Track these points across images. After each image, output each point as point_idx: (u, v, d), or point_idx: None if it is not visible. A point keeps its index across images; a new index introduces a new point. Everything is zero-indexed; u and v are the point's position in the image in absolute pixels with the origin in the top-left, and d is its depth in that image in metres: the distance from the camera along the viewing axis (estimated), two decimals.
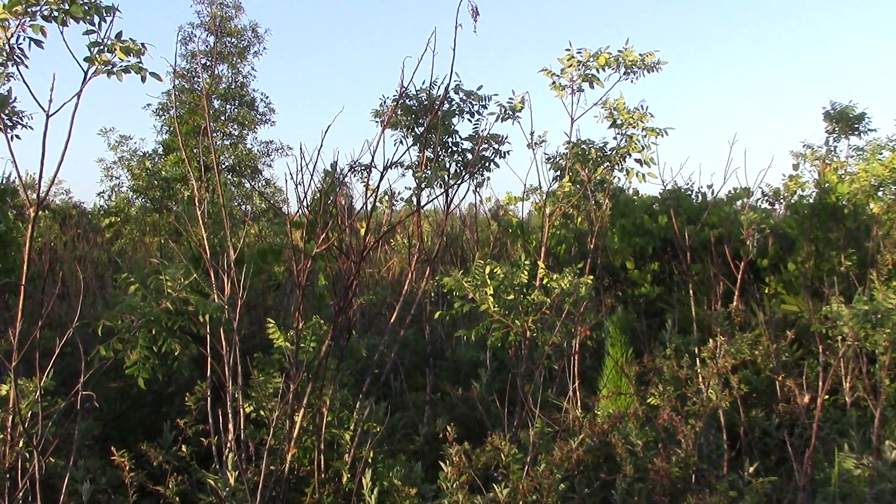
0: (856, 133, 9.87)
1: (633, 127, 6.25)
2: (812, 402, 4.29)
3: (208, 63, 19.47)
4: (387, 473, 3.85)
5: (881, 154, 7.97)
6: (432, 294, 6.57)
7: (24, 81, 3.33)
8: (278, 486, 3.78)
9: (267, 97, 20.28)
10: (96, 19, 3.28)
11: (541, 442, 3.83)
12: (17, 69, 3.41)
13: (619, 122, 6.29)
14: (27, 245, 3.32)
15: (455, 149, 6.33)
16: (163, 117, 19.14)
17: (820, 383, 4.16)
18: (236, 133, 19.76)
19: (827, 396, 4.46)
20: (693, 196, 7.65)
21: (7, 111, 5.82)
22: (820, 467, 4.16)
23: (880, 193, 6.83)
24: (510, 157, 6.44)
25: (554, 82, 6.23)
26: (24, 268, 3.31)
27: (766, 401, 4.92)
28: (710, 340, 4.44)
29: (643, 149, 6.27)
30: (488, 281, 4.29)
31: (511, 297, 4.25)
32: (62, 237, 11.60)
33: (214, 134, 18.88)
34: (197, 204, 4.28)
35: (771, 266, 6.91)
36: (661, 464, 3.70)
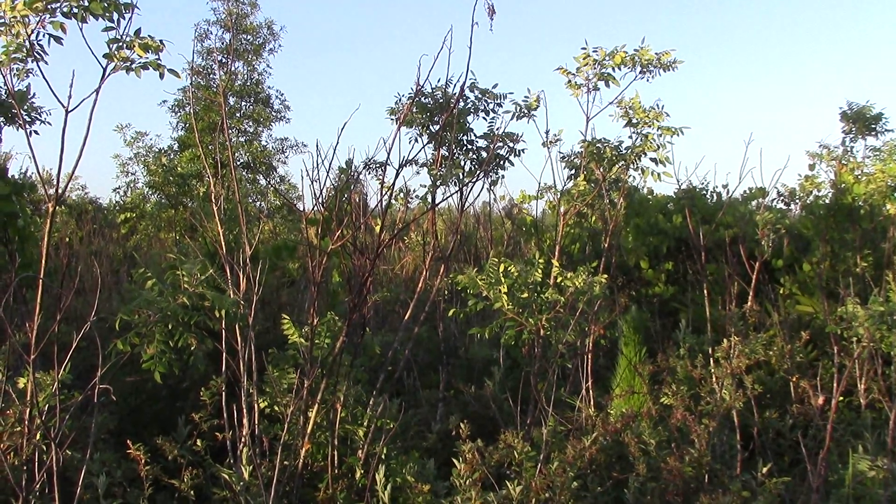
0: (873, 133, 9.79)
1: (649, 126, 6.22)
2: (826, 403, 4.28)
3: (224, 60, 19.55)
4: (400, 470, 3.86)
5: None
6: (446, 292, 6.58)
7: (44, 77, 3.37)
8: (292, 482, 3.81)
9: (282, 94, 20.39)
10: (115, 16, 3.32)
11: (554, 440, 3.83)
12: (37, 65, 3.46)
13: (634, 120, 6.27)
14: (45, 240, 3.36)
15: (470, 147, 6.33)
16: (178, 114, 19.26)
17: (834, 384, 4.14)
18: (251, 130, 19.85)
19: (841, 398, 4.44)
20: (708, 196, 7.62)
21: (26, 107, 5.87)
22: (834, 469, 4.14)
23: None
24: (525, 155, 6.43)
25: (570, 81, 6.22)
26: (42, 262, 3.35)
27: (780, 401, 4.90)
28: (724, 340, 4.43)
29: (658, 148, 6.25)
30: (502, 279, 4.29)
31: (525, 295, 4.25)
32: (78, 232, 11.70)
33: (230, 131, 18.94)
34: (212, 200, 4.31)
35: (786, 266, 6.87)
36: (674, 463, 3.69)
